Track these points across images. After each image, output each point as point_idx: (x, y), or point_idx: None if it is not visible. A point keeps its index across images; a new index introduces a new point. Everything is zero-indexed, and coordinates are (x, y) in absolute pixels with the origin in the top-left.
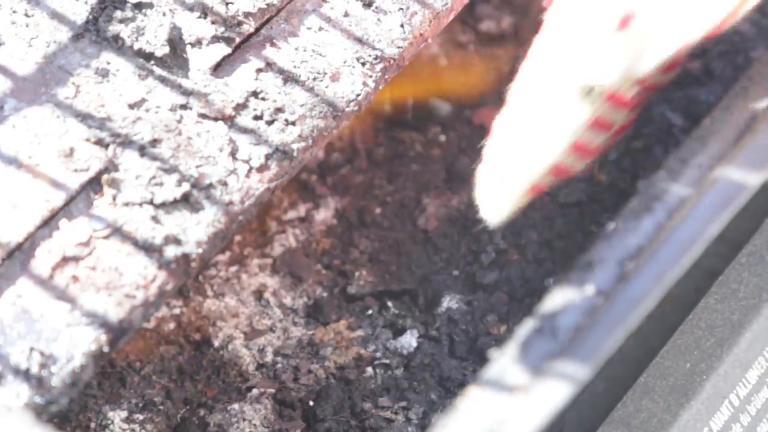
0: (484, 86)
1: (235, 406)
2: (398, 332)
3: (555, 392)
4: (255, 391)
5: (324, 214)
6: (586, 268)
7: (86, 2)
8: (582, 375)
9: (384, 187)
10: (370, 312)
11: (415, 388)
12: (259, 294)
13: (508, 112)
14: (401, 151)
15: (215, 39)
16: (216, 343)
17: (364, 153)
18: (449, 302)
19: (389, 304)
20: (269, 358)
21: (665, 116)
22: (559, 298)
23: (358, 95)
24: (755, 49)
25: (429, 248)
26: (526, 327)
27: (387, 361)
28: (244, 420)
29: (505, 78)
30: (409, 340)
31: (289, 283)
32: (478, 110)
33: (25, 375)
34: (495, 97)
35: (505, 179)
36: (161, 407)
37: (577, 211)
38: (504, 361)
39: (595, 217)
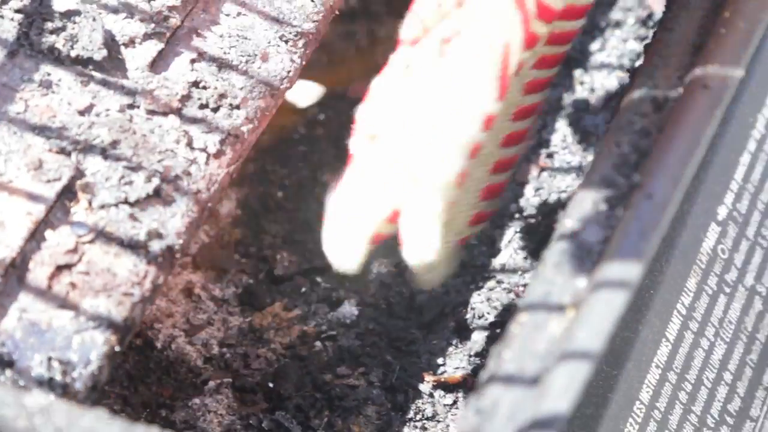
0: (348, 63)
1: (196, 400)
2: (334, 304)
3: (608, 301)
4: (211, 383)
5: (227, 207)
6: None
7: (12, 18)
8: (630, 277)
9: (278, 171)
10: (303, 290)
11: (369, 352)
12: (188, 291)
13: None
14: (285, 135)
15: (146, 36)
16: (158, 345)
17: None
18: (377, 268)
19: (318, 279)
20: (215, 350)
21: None
22: (575, 216)
23: (288, 72)
24: None
25: None
26: (552, 250)
27: (333, 332)
28: (209, 412)
29: (364, 52)
30: (350, 310)
31: (214, 276)
32: (350, 85)
33: (50, 384)
34: (361, 71)
35: (355, 223)
36: (122, 414)
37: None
38: (542, 285)
39: None
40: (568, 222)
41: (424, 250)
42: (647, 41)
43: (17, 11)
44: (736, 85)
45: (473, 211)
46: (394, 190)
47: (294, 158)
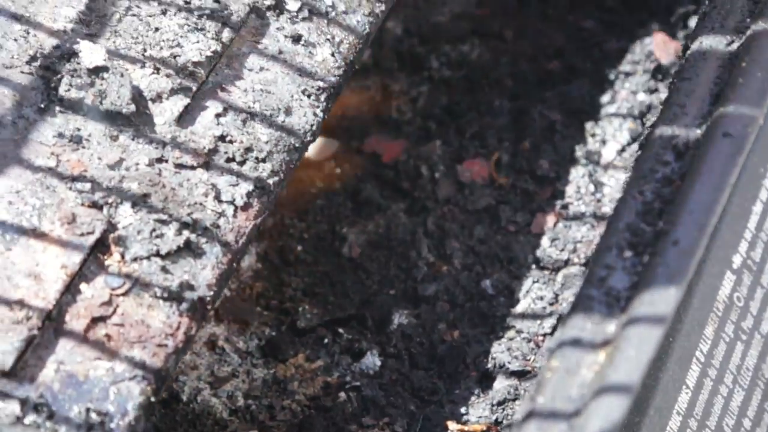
0: (363, 117)
1: None
2: (357, 355)
3: (643, 336)
4: None
5: (248, 261)
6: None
7: (41, 75)
8: (662, 316)
9: (296, 224)
10: (325, 341)
11: (393, 403)
12: (212, 344)
13: None
14: (303, 188)
15: (173, 91)
16: (184, 398)
17: None
18: (399, 319)
19: (340, 331)
20: (240, 402)
21: (544, 115)
22: (601, 263)
23: (311, 125)
24: (607, 42)
25: (360, 274)
26: (581, 296)
27: (357, 383)
28: None
29: (378, 107)
30: (373, 360)
31: (237, 328)
32: (366, 140)
33: None
34: (377, 126)
35: None
36: None
37: (490, 215)
38: (572, 330)
39: (509, 217)
40: (595, 269)
41: None
42: (657, 93)
43: (46, 68)
44: (757, 132)
45: None
46: None
47: (312, 212)
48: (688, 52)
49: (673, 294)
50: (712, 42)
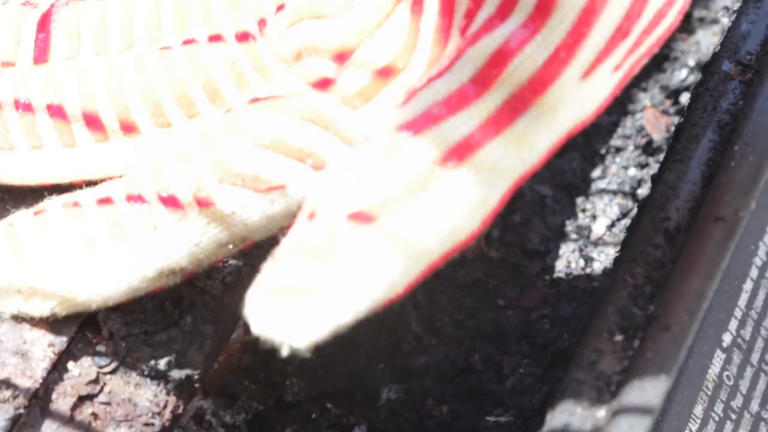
0: None
1: None
2: (345, 430)
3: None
4: None
5: (236, 333)
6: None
7: None
8: (651, 406)
9: None
10: (313, 416)
11: None
12: (199, 418)
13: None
14: None
15: None
16: None
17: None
18: (387, 394)
19: (328, 405)
20: None
21: (534, 189)
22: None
23: None
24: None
25: (348, 347)
26: (570, 379)
27: None
28: None
29: None
30: None
31: (224, 402)
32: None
33: None
34: None
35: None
36: None
37: (479, 288)
38: (562, 415)
39: (499, 291)
40: (584, 352)
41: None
42: (648, 168)
43: None
44: (748, 217)
45: None
46: None
47: None
48: (680, 132)
49: (663, 381)
50: (705, 123)
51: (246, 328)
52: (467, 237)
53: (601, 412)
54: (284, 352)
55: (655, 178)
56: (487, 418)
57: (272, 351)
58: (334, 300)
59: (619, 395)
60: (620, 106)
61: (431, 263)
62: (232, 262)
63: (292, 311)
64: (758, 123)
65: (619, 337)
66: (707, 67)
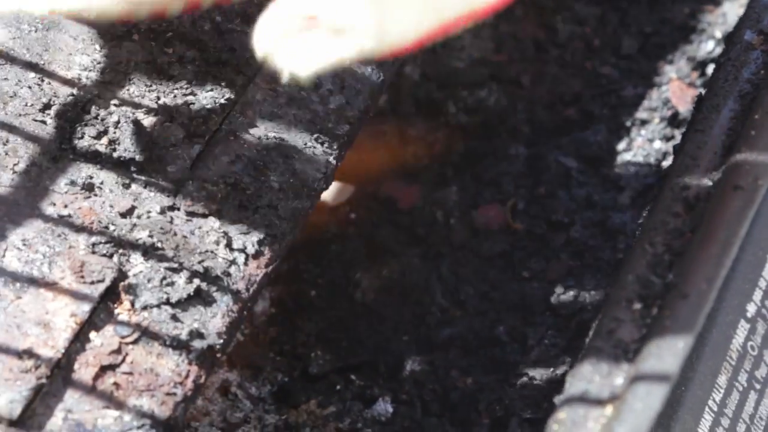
0: (379, 162)
1: None
2: (368, 402)
3: (647, 395)
4: None
5: (262, 305)
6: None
7: (54, 124)
8: (668, 372)
9: (311, 270)
10: (338, 388)
11: None
12: (224, 390)
13: None
14: (317, 234)
15: (186, 138)
16: None
17: None
18: (411, 365)
19: (353, 377)
20: None
21: (560, 161)
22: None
23: (324, 173)
24: (624, 88)
25: (373, 319)
26: (589, 348)
27: (368, 430)
28: None
29: (394, 152)
30: (385, 407)
31: (249, 374)
32: (381, 185)
33: None
34: (392, 171)
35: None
36: None
37: (504, 260)
38: (580, 382)
39: (524, 263)
40: (604, 320)
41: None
42: (673, 140)
43: (59, 116)
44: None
45: None
46: None
47: (326, 257)
48: (702, 102)
49: (681, 348)
50: (726, 93)
51: (271, 300)
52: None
53: (619, 380)
54: (284, 80)
55: (676, 149)
56: (512, 389)
57: (296, 324)
58: (340, 34)
59: (636, 362)
60: (646, 78)
61: (444, 19)
62: (251, 240)
63: (299, 40)
64: None
65: (637, 306)
66: (729, 38)
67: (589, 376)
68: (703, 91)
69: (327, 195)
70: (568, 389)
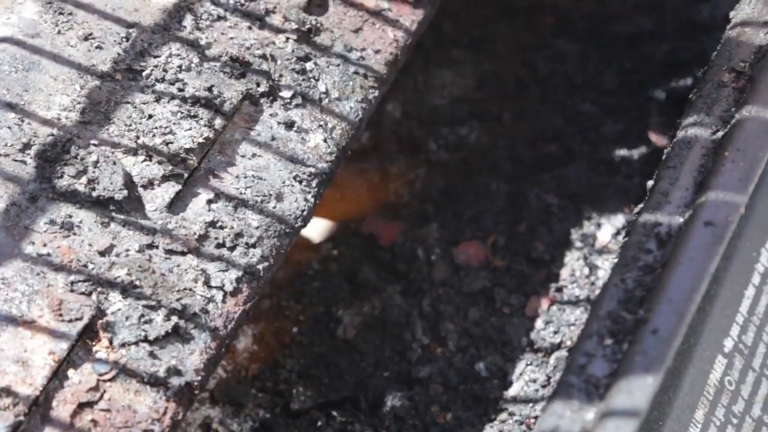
0: (361, 199)
1: None
2: None
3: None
4: None
5: (244, 342)
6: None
7: (33, 164)
8: (637, 409)
9: (293, 306)
10: (319, 424)
11: None
12: (206, 426)
13: None
14: (299, 271)
15: (165, 178)
16: None
17: None
18: (392, 401)
19: (334, 413)
20: None
21: (540, 198)
22: (582, 350)
23: (303, 211)
24: (604, 125)
25: (355, 355)
26: (561, 384)
27: None
28: None
29: (376, 189)
30: None
31: (231, 411)
32: (363, 222)
33: None
34: (373, 207)
35: None
36: None
37: (485, 297)
38: (552, 418)
39: (503, 299)
40: (575, 356)
41: None
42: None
43: (38, 156)
44: (737, 221)
45: None
46: None
47: (308, 293)
48: (674, 139)
49: (650, 383)
50: (697, 130)
51: (253, 337)
52: None
53: (590, 415)
54: None
55: (650, 186)
56: (491, 425)
57: (278, 360)
58: None
59: (606, 398)
60: (627, 115)
61: None
62: (230, 277)
63: None
64: (749, 130)
65: (609, 341)
66: (702, 75)
67: (560, 412)
68: (674, 130)
69: (309, 232)
70: (539, 425)
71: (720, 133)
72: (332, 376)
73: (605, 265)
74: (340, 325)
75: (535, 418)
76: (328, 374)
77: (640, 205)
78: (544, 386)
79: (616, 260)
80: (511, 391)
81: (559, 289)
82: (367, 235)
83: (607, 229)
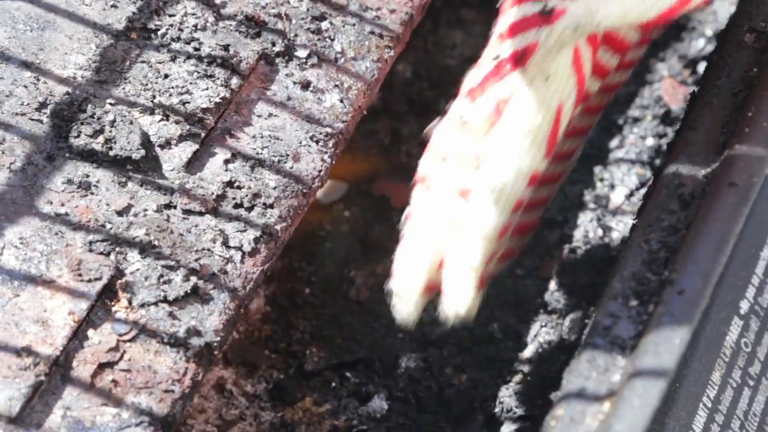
0: (372, 160)
1: None
2: (364, 399)
3: (644, 391)
4: None
5: (257, 303)
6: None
7: (50, 123)
8: (665, 368)
9: (305, 268)
10: (333, 385)
11: None
12: (220, 387)
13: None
14: (311, 232)
15: (182, 137)
16: None
17: None
18: (406, 362)
19: (348, 374)
20: None
21: None
22: (606, 311)
23: (319, 171)
24: None
25: (368, 317)
26: (586, 345)
27: (364, 427)
28: None
29: (387, 150)
30: (380, 404)
31: (245, 372)
32: (374, 183)
33: None
34: (385, 169)
35: (407, 274)
36: None
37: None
38: (577, 379)
39: (517, 260)
40: (600, 317)
41: (460, 302)
42: (665, 138)
43: (56, 115)
44: (762, 182)
45: (503, 249)
46: (443, 239)
47: (320, 255)
48: (695, 100)
49: (677, 344)
50: (719, 91)
51: (266, 298)
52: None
53: (616, 376)
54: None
55: (670, 146)
56: (506, 386)
57: (291, 321)
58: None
59: (633, 359)
60: (638, 76)
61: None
62: (248, 238)
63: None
64: None
65: (634, 302)
66: (722, 35)
67: (586, 373)
68: (695, 88)
69: (321, 193)
70: (565, 386)
71: (742, 94)
72: (345, 338)
73: (619, 227)
74: (353, 287)
75: (551, 379)
76: (342, 335)
77: (660, 166)
78: (558, 348)
79: (637, 221)
80: (526, 353)
81: (573, 251)
82: (378, 196)
83: (621, 190)
